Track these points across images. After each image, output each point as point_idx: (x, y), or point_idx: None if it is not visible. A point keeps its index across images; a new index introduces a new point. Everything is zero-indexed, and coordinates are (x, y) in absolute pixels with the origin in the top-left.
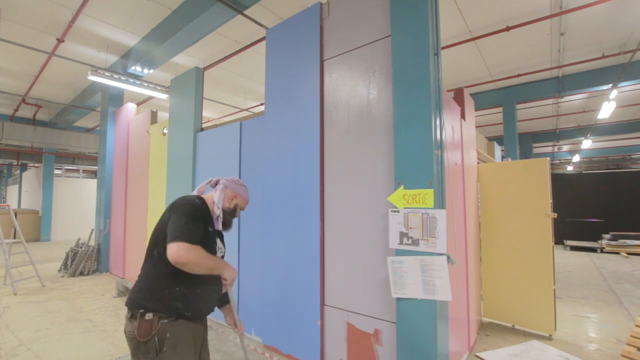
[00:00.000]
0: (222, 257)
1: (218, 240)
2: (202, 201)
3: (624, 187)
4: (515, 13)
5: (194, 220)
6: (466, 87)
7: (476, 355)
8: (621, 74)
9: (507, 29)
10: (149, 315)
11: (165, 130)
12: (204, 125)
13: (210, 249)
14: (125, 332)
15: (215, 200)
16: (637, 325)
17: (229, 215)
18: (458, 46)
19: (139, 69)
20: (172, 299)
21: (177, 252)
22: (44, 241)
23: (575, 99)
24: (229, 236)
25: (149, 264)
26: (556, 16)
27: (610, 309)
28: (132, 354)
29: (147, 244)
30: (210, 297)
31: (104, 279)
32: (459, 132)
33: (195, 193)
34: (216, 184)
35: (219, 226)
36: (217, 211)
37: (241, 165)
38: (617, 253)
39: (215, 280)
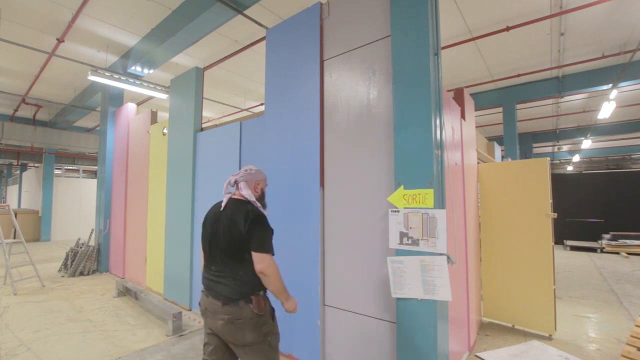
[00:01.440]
0: None
1: None
2: (254, 206)
3: (624, 187)
4: (515, 13)
5: (270, 231)
6: (466, 87)
7: (476, 355)
8: (621, 74)
9: (507, 29)
10: (258, 295)
11: (165, 130)
12: (204, 125)
13: None
14: (233, 320)
15: (247, 196)
16: (637, 325)
17: (261, 200)
18: (458, 46)
19: (139, 69)
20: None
21: (263, 264)
22: (44, 241)
23: (575, 99)
24: None
25: (237, 264)
26: (556, 16)
27: (610, 309)
28: (253, 329)
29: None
30: None
31: (104, 279)
32: (459, 132)
33: (227, 196)
34: (236, 183)
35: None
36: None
37: (241, 166)
38: (617, 253)
39: None
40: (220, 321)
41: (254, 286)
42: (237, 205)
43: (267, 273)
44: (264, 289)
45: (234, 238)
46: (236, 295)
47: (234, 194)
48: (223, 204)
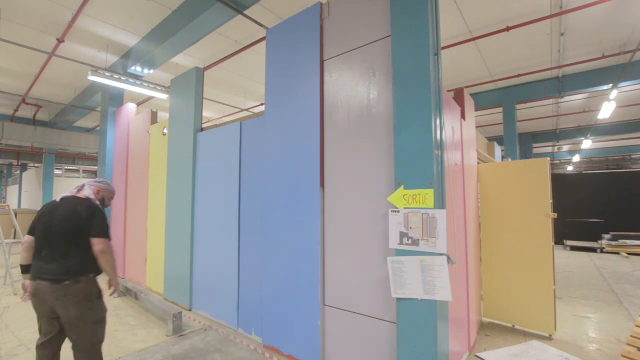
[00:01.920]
0: None
1: None
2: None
3: (624, 187)
4: (515, 13)
5: (106, 220)
6: (466, 87)
7: (476, 355)
8: (621, 74)
9: (507, 29)
10: (88, 277)
11: (165, 130)
12: (204, 125)
13: None
14: (60, 297)
15: (88, 195)
16: (637, 325)
17: (102, 203)
18: (458, 46)
19: (139, 69)
20: (94, 267)
21: (101, 245)
22: None
23: (575, 99)
24: (229, 235)
25: (76, 247)
26: (556, 16)
27: (610, 309)
28: (77, 305)
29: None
30: None
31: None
32: (459, 132)
33: (70, 195)
34: (82, 186)
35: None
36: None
37: (241, 165)
38: (617, 253)
39: None
40: (50, 299)
41: (84, 269)
42: (77, 200)
43: (105, 251)
44: (94, 272)
45: (73, 225)
46: (65, 274)
47: (75, 194)
48: (59, 198)
